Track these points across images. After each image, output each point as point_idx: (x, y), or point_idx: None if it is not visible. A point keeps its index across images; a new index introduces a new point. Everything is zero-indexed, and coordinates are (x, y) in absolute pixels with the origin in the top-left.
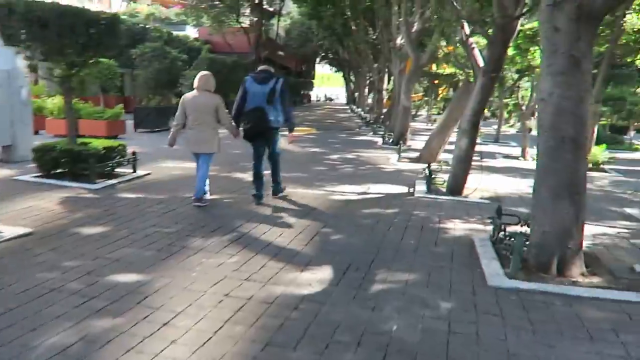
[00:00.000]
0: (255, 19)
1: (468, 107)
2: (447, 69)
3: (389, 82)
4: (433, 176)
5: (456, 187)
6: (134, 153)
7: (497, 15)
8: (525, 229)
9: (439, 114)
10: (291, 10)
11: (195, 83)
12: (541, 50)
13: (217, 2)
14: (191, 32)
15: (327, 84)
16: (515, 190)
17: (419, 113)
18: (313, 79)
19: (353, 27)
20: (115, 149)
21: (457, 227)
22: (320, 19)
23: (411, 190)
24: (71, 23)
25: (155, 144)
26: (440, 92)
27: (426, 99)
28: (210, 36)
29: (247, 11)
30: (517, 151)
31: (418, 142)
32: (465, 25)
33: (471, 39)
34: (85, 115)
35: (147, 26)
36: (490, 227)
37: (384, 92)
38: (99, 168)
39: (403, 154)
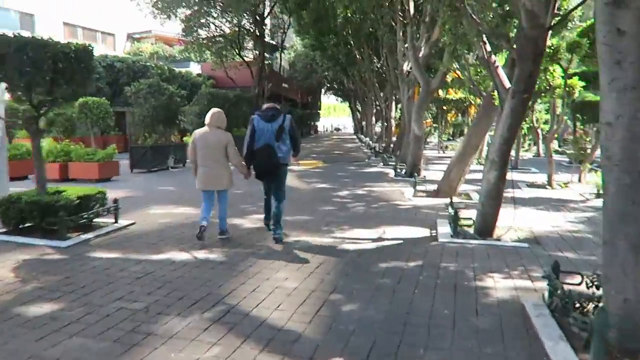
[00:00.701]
0: (258, 52)
1: (496, 135)
2: (457, 94)
3: (396, 110)
4: (456, 211)
5: (486, 227)
6: (115, 201)
7: (527, 25)
8: (591, 290)
9: (448, 140)
10: (294, 43)
11: (207, 120)
12: (599, 63)
13: (218, 38)
14: (195, 68)
15: (334, 114)
16: (554, 227)
17: (428, 140)
18: (319, 110)
19: (357, 56)
20: (94, 198)
21: (498, 285)
22: (323, 50)
23: (433, 232)
24: (34, 57)
25: (150, 186)
26: (449, 118)
27: (435, 125)
28: (214, 71)
29: (250, 44)
30: (541, 178)
31: (432, 173)
32: (486, 41)
33: (493, 57)
34: (75, 157)
35: (147, 64)
36: (540, 284)
37: (392, 121)
38: (72, 221)
39: (419, 187)
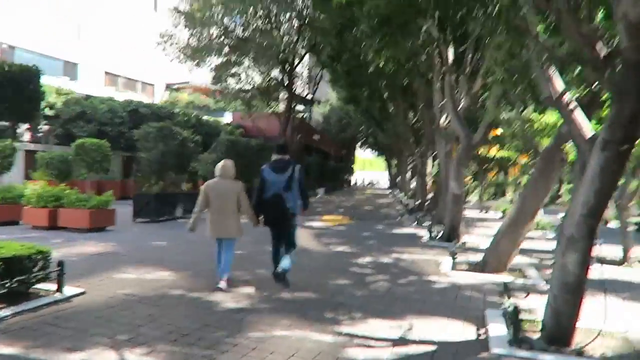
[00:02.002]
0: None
1: (576, 202)
2: (499, 152)
3: (433, 166)
4: (516, 307)
5: (561, 332)
6: (59, 264)
7: (630, 45)
8: None
9: (489, 199)
10: (330, 97)
11: (217, 171)
12: None
13: (247, 87)
14: (229, 118)
15: (370, 168)
16: None
17: (467, 199)
18: (353, 163)
19: (391, 110)
20: (31, 259)
21: None
22: (357, 103)
23: (482, 333)
24: None
25: (142, 240)
26: (490, 176)
27: (475, 182)
28: (243, 120)
29: (282, 95)
30: (607, 250)
31: (474, 237)
32: (556, 76)
33: (567, 95)
34: (67, 203)
35: (175, 110)
36: None
37: (428, 177)
38: None
39: (459, 257)
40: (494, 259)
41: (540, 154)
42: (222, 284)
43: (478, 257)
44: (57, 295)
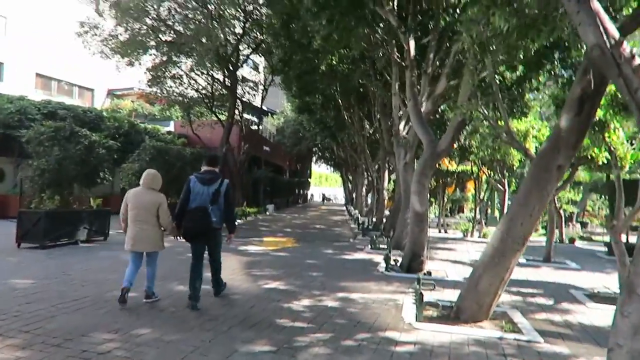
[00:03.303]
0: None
1: None
2: (456, 166)
3: (389, 181)
4: None
5: None
6: None
7: None
8: None
9: (446, 217)
10: (285, 109)
11: (142, 180)
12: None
13: (189, 92)
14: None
15: (326, 183)
16: None
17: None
18: (309, 178)
19: (346, 119)
20: None
21: None
22: (311, 112)
23: None
24: None
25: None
26: (449, 192)
27: (432, 199)
28: (188, 129)
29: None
30: (594, 280)
31: (438, 264)
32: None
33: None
34: None
35: (103, 114)
36: None
37: (385, 192)
38: None
39: (427, 298)
40: (472, 302)
41: (533, 161)
42: (150, 299)
43: (448, 294)
44: None
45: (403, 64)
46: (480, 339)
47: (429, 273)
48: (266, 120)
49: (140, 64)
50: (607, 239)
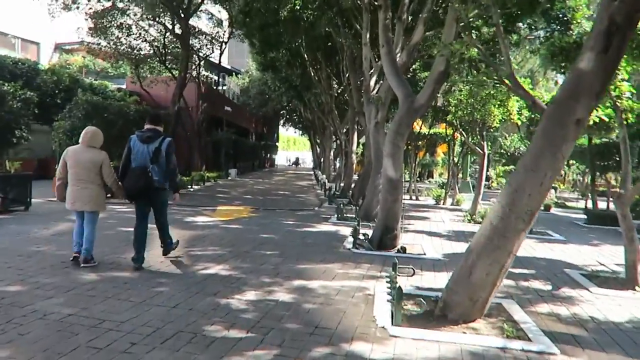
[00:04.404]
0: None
1: None
2: (430, 129)
3: (359, 145)
4: None
5: None
6: None
7: None
8: None
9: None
10: (250, 69)
11: (81, 138)
12: None
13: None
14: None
15: (294, 147)
16: None
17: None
18: (277, 141)
19: (313, 76)
20: None
21: None
22: (275, 70)
23: None
24: None
25: None
26: (420, 156)
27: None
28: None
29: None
30: (586, 256)
31: (412, 237)
32: None
33: None
34: None
35: (37, 66)
36: None
37: (354, 156)
38: None
39: (407, 289)
40: (463, 296)
41: (544, 113)
42: (88, 263)
43: (428, 278)
44: None
45: (376, 2)
46: (477, 350)
47: (404, 249)
48: (230, 80)
49: (77, 7)
50: (581, 205)
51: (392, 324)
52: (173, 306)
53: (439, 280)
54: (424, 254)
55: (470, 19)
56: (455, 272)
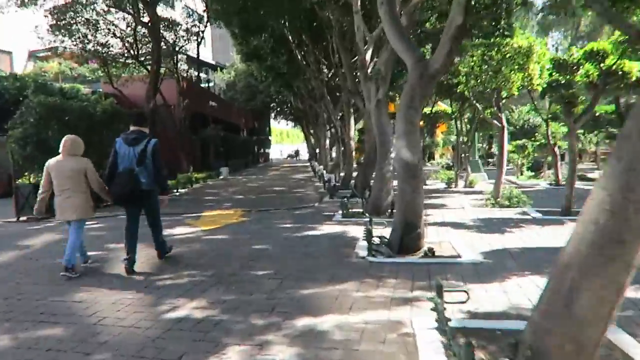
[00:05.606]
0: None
1: None
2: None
3: (356, 131)
4: None
5: None
6: None
7: None
8: None
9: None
10: (235, 62)
11: (61, 148)
12: None
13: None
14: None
15: (287, 140)
16: None
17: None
18: (269, 135)
19: (300, 61)
20: None
21: None
22: (260, 59)
23: None
24: None
25: None
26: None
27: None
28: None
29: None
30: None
31: (439, 233)
32: None
33: None
34: None
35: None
36: None
37: (352, 142)
38: None
39: (458, 320)
40: (561, 338)
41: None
42: (68, 272)
43: (481, 294)
44: None
45: None
46: None
47: (432, 252)
48: (215, 75)
49: (35, 4)
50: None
51: None
52: None
53: (493, 294)
54: (459, 256)
55: None
56: (542, 298)
